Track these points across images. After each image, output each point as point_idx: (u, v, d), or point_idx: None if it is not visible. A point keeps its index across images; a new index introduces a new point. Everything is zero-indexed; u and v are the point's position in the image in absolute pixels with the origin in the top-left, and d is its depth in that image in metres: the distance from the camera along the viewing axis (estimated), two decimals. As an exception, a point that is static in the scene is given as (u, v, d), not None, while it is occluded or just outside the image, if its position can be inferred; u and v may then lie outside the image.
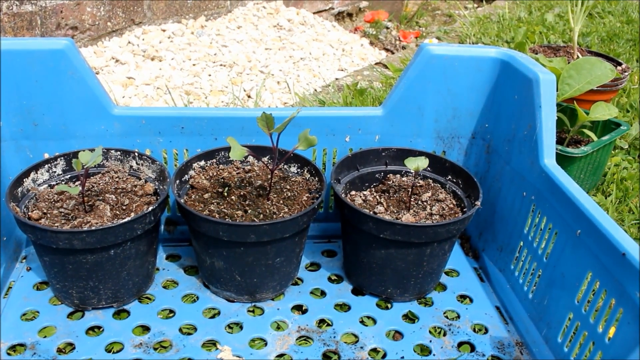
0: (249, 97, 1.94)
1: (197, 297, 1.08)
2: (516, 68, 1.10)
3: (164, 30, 2.18)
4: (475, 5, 3.89)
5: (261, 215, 1.02)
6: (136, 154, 1.10)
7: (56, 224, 0.97)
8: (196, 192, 1.08)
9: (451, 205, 1.12)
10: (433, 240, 1.02)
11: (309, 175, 1.13)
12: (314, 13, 2.87)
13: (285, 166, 1.15)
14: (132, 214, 1.02)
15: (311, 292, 1.12)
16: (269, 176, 1.13)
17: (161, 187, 1.08)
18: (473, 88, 1.16)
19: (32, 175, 1.04)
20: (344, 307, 1.10)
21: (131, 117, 1.11)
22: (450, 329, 1.06)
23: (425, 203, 1.12)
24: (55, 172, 1.08)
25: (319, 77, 2.18)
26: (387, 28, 3.35)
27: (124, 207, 1.03)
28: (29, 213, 0.99)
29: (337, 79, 2.18)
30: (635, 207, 1.44)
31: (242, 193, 1.07)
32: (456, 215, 1.10)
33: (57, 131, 1.09)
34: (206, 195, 1.07)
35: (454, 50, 1.14)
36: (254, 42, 2.26)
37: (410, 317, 1.09)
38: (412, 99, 1.16)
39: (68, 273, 0.96)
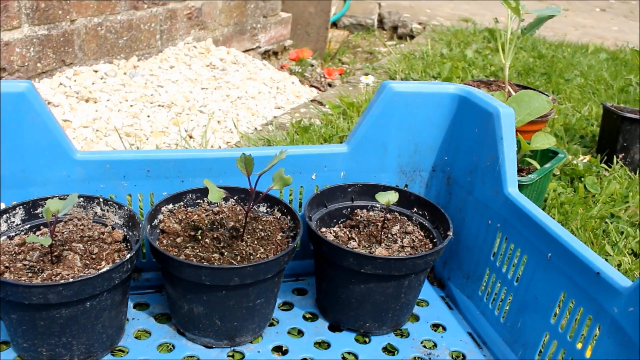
0: (190, 137, 1.91)
1: (173, 346, 1.04)
2: (475, 103, 1.16)
3: (96, 71, 2.11)
4: (394, 42, 4.06)
5: (238, 257, 1.01)
6: (101, 200, 1.06)
7: (23, 278, 0.91)
8: (167, 236, 1.05)
9: (420, 237, 1.15)
10: (412, 272, 1.04)
11: (280, 215, 1.13)
12: (242, 52, 2.89)
13: (254, 206, 1.14)
14: (103, 263, 0.97)
15: (288, 332, 1.10)
16: (240, 217, 1.11)
17: (131, 233, 1.03)
18: (433, 123, 1.21)
19: (-11, 227, 0.97)
20: (323, 345, 1.09)
21: (94, 161, 1.07)
22: (430, 358, 1.07)
23: (395, 236, 1.14)
24: (13, 222, 1.02)
25: (257, 115, 2.18)
26: (312, 66, 3.42)
27: (94, 256, 0.98)
28: (-12, 268, 0.92)
29: (275, 117, 2.19)
30: (576, 229, 1.53)
31: (215, 235, 1.05)
32: (426, 246, 1.13)
33: (15, 178, 1.03)
34: (178, 240, 1.04)
35: (414, 87, 1.18)
36: (189, 82, 2.24)
37: (390, 350, 1.10)
38: (375, 136, 1.19)
39: (39, 330, 0.90)
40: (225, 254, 1.01)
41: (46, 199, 1.04)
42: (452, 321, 1.18)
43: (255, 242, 1.05)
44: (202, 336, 1.03)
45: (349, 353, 1.08)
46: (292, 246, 1.00)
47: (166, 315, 1.11)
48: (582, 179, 1.82)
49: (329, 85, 3.25)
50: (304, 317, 1.15)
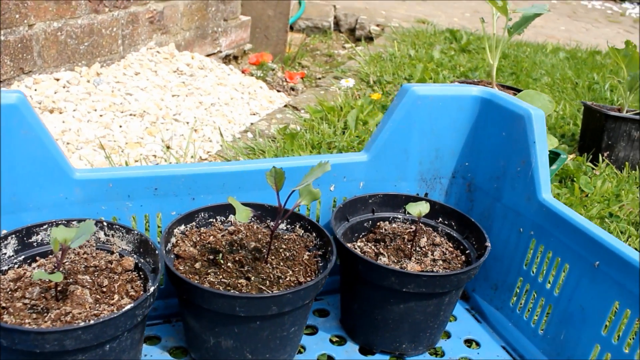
0: (168, 147, 1.78)
1: (196, 385, 0.93)
2: (501, 105, 1.10)
3: (57, 80, 1.95)
4: (352, 45, 4.01)
5: (267, 282, 0.91)
6: (104, 224, 0.93)
7: (27, 321, 0.78)
8: (183, 262, 0.93)
9: (450, 249, 1.08)
10: (454, 288, 0.97)
11: (303, 231, 1.03)
12: (205, 57, 2.76)
13: (270, 223, 1.04)
14: (116, 297, 0.85)
15: (318, 359, 1.01)
16: (260, 236, 1.01)
17: (142, 260, 0.92)
18: (455, 127, 1.15)
19: (-22, 262, 0.84)
20: (357, 372, 1.00)
21: (95, 180, 0.94)
22: (470, 379, 1.01)
23: (424, 249, 1.07)
24: (5, 254, 0.88)
25: (234, 122, 2.07)
26: (273, 70, 3.33)
27: (104, 289, 0.86)
28: (-18, 311, 0.79)
29: (252, 123, 2.09)
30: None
31: (237, 258, 0.95)
32: (458, 258, 1.06)
33: (5, 203, 0.89)
34: (197, 265, 0.93)
35: (437, 90, 1.11)
36: (159, 89, 2.10)
37: (428, 372, 1.02)
38: (397, 142, 1.11)
39: (51, 382, 0.77)
40: (252, 278, 0.91)
41: (42, 225, 0.91)
42: (484, 335, 1.12)
43: (281, 264, 0.95)
44: (229, 372, 0.92)
45: (385, 378, 1.00)
46: (329, 267, 0.90)
47: (181, 349, 1.00)
48: (574, 178, 1.81)
49: (292, 89, 3.16)
50: (330, 341, 1.06)
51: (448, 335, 1.11)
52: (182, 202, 1.00)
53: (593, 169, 1.94)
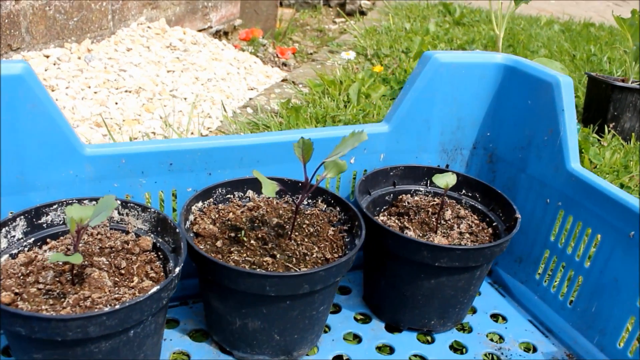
0: (167, 124, 1.72)
1: (220, 369, 0.88)
2: (527, 72, 1.06)
3: (47, 56, 1.87)
4: (343, 19, 3.93)
5: (293, 259, 0.86)
6: (118, 202, 0.88)
7: (43, 307, 0.73)
8: (204, 240, 0.89)
9: (476, 221, 1.04)
10: (486, 262, 0.93)
11: (325, 206, 0.98)
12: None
13: (290, 198, 1.00)
14: (135, 279, 0.80)
15: (344, 338, 0.97)
16: (281, 212, 0.96)
17: (161, 240, 0.86)
18: (477, 96, 1.10)
19: (-14, 245, 0.78)
20: (385, 349, 0.97)
21: (107, 156, 0.88)
22: (502, 353, 0.97)
23: (449, 222, 1.03)
24: (14, 236, 0.82)
25: (232, 97, 2.01)
26: (264, 45, 3.25)
27: (122, 272, 0.81)
28: (-5, 297, 0.74)
29: (250, 98, 2.03)
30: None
31: (259, 235, 0.90)
32: (485, 231, 1.02)
33: (11, 183, 0.83)
34: (219, 243, 0.88)
35: (460, 57, 1.06)
36: (153, 65, 2.03)
37: (458, 348, 0.99)
38: (419, 112, 1.07)
39: (72, 370, 0.72)
40: (278, 256, 0.86)
41: (51, 205, 0.85)
42: (510, 310, 1.09)
43: (306, 240, 0.91)
44: (256, 354, 0.88)
45: (415, 356, 0.96)
46: (358, 243, 0.86)
47: (201, 331, 0.95)
48: (582, 150, 1.78)
49: (284, 64, 3.09)
50: (355, 319, 1.02)
51: (474, 311, 1.07)
52: (198, 178, 0.95)
53: (599, 140, 1.91)
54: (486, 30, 3.05)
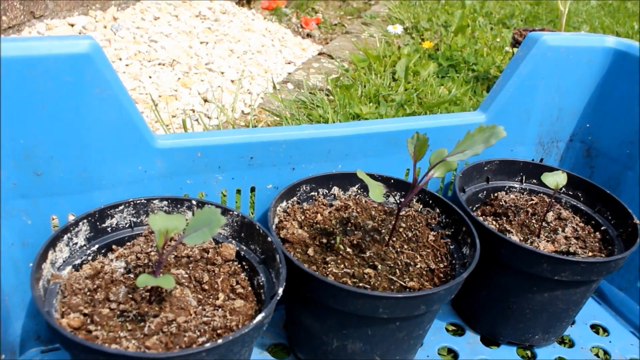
0: (205, 101, 1.59)
1: (309, 393, 0.78)
2: (645, 56, 0.93)
3: (72, 25, 1.72)
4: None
5: (396, 271, 0.75)
6: (193, 203, 0.76)
7: (121, 334, 0.61)
8: (292, 248, 0.77)
9: (581, 224, 0.93)
10: (607, 274, 0.82)
11: (421, 206, 0.87)
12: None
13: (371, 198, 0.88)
14: (221, 295, 0.69)
15: (439, 353, 0.87)
16: (372, 213, 0.85)
17: (245, 248, 0.75)
18: (581, 83, 0.98)
19: (51, 254, 0.66)
20: (484, 369, 0.86)
21: (181, 149, 0.76)
22: (612, 374, 0.87)
23: (552, 225, 0.92)
24: (77, 243, 0.71)
25: (270, 71, 1.87)
26: (287, 15, 3.10)
27: (205, 287, 0.70)
28: (61, 320, 0.62)
29: (289, 73, 1.90)
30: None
31: (354, 241, 0.79)
32: (592, 235, 0.91)
33: (73, 181, 0.71)
34: (310, 251, 0.76)
35: (568, 39, 0.94)
36: (184, 35, 1.89)
37: (563, 367, 0.89)
38: (520, 101, 0.94)
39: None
40: (379, 267, 0.75)
41: (117, 206, 0.74)
42: (610, 320, 0.98)
43: (405, 247, 0.79)
44: (350, 377, 0.77)
45: (517, 376, 0.86)
46: (475, 255, 0.74)
47: (281, 346, 0.84)
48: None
49: (309, 35, 2.95)
50: (446, 329, 0.92)
51: (572, 321, 0.97)
52: (279, 173, 0.83)
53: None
54: (523, 4, 2.90)
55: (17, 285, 0.73)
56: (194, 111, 1.52)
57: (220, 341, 0.56)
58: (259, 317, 0.60)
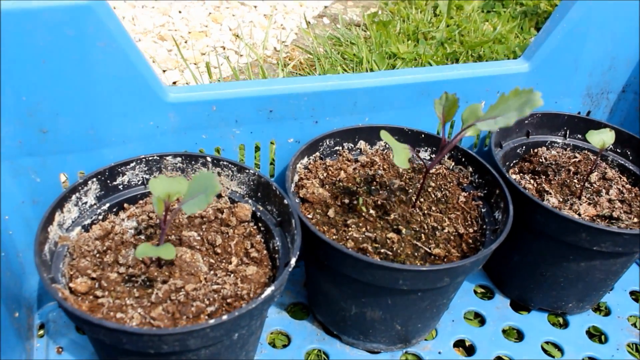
0: (236, 37, 1.53)
1: (326, 355, 0.76)
2: None
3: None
4: None
5: (422, 235, 0.70)
6: (208, 159, 0.72)
7: (127, 301, 0.59)
8: (312, 208, 0.73)
9: (628, 186, 0.85)
10: (653, 243, 0.76)
11: (453, 164, 0.81)
12: None
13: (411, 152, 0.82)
14: (234, 259, 0.66)
15: (465, 317, 0.83)
16: (400, 170, 0.80)
17: (261, 208, 0.71)
18: (639, 29, 0.87)
19: (58, 216, 0.64)
20: (512, 334, 0.83)
21: (195, 103, 0.72)
22: (650, 345, 0.82)
23: (595, 185, 0.85)
24: (86, 202, 0.68)
25: (305, 5, 1.78)
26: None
27: (217, 250, 0.67)
28: (70, 284, 0.61)
29: (326, 7, 1.80)
30: None
31: (378, 202, 0.74)
32: (638, 198, 0.84)
33: (80, 138, 0.68)
34: (331, 212, 0.72)
35: (629, -25, 0.83)
36: (215, -35, 1.80)
37: (595, 334, 0.84)
38: (568, 49, 0.86)
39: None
40: (403, 231, 0.70)
41: (128, 163, 0.71)
42: (653, 286, 0.92)
43: (433, 208, 0.74)
44: (370, 341, 0.75)
45: (547, 343, 0.82)
46: (508, 221, 0.69)
47: (301, 305, 0.82)
48: None
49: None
50: (475, 292, 0.88)
51: (610, 289, 0.91)
52: (302, 127, 0.78)
53: None
54: None
55: (30, 243, 0.71)
56: (224, 48, 1.46)
57: (225, 317, 0.54)
58: (268, 290, 0.57)
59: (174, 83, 1.31)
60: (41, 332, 0.75)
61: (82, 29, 0.61)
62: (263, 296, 0.56)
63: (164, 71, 1.32)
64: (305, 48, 1.47)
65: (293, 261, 0.60)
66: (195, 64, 1.37)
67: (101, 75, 0.65)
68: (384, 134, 0.66)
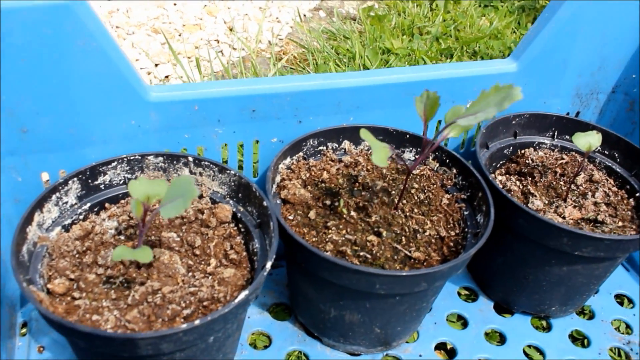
0: (231, 30, 1.52)
1: (306, 356, 0.76)
2: None
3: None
4: None
5: (402, 238, 0.70)
6: (190, 159, 0.72)
7: (104, 303, 0.59)
8: (294, 209, 0.73)
9: (614, 189, 0.85)
10: (636, 250, 0.75)
11: (437, 165, 0.81)
12: None
13: (395, 153, 0.82)
14: (213, 261, 0.66)
15: (448, 320, 0.83)
16: (384, 171, 0.79)
17: (242, 209, 0.71)
18: (631, 28, 0.87)
19: (37, 216, 0.64)
20: (494, 337, 0.83)
21: (177, 102, 0.71)
22: (631, 349, 0.82)
23: (581, 188, 0.84)
24: (67, 202, 0.68)
25: (301, -2, 1.77)
26: None
27: (196, 252, 0.67)
28: (48, 285, 0.61)
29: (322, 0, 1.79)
30: None
31: (360, 203, 0.74)
32: (625, 202, 0.83)
33: (61, 137, 0.68)
34: (311, 214, 0.72)
35: (619, -24, 0.82)
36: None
37: (578, 338, 0.84)
38: (557, 49, 0.85)
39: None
40: (384, 233, 0.70)
41: (109, 162, 0.70)
42: (637, 289, 0.92)
43: (415, 210, 0.74)
44: (350, 344, 0.75)
45: (529, 347, 0.82)
46: (488, 224, 0.68)
47: (283, 306, 0.82)
48: None
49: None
50: (459, 294, 0.88)
51: (594, 292, 0.91)
52: (285, 127, 0.78)
53: None
54: None
55: (11, 241, 0.71)
56: (218, 42, 1.46)
57: (197, 322, 0.54)
58: (242, 295, 0.57)
59: (167, 77, 1.30)
60: (24, 330, 0.75)
61: (60, 28, 0.61)
62: (237, 300, 0.56)
63: (157, 65, 1.32)
64: (300, 42, 1.46)
65: (269, 265, 0.60)
66: (188, 57, 1.36)
67: (81, 75, 0.65)
68: (363, 132, 0.65)
